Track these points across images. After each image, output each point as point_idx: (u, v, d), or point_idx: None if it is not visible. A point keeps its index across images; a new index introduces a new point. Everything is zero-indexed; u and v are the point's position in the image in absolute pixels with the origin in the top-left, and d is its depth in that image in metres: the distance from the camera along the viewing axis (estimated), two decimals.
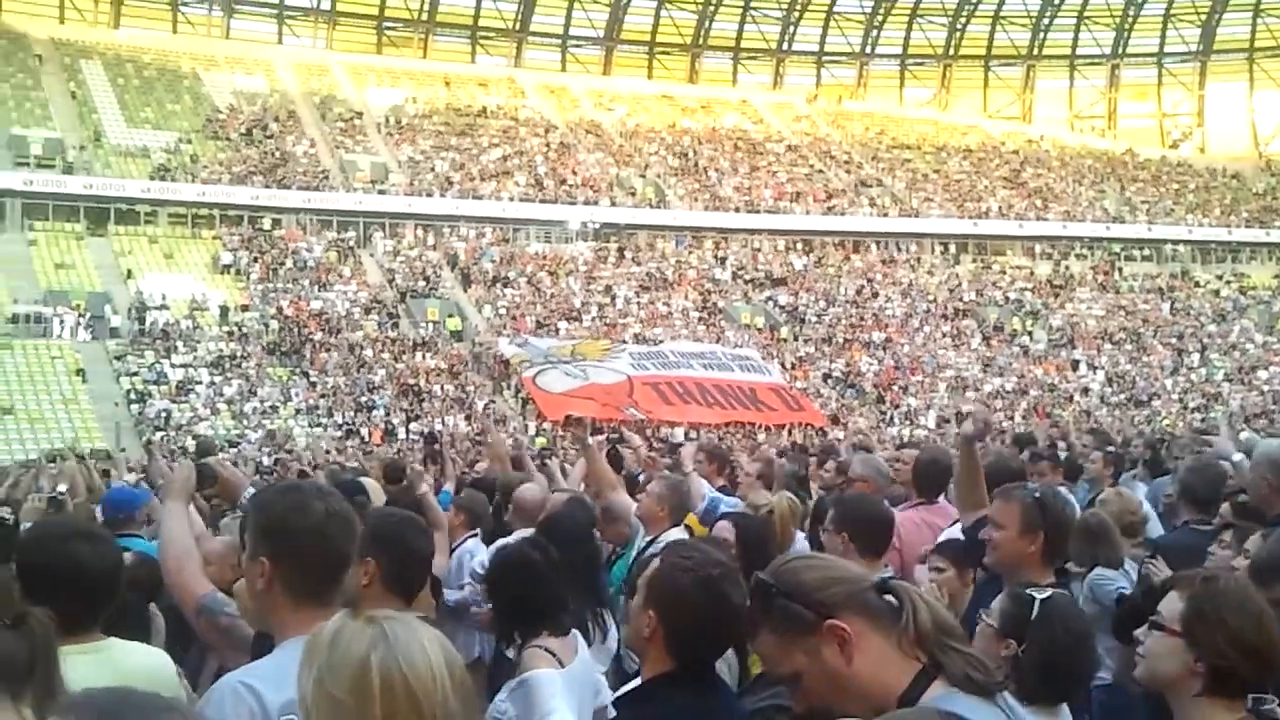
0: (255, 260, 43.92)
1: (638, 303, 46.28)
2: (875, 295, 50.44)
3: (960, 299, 51.34)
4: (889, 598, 2.11)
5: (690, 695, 2.74)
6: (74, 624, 2.78)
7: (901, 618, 2.08)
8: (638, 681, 2.89)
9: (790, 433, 31.99)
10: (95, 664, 2.75)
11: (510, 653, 3.96)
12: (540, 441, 27.82)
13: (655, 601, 2.78)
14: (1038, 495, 4.17)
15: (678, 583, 2.75)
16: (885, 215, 56.06)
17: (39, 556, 2.91)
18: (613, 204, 52.01)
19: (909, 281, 52.21)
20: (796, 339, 46.23)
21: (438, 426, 33.24)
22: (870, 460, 6.74)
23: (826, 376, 43.75)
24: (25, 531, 3.65)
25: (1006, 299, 51.89)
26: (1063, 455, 8.98)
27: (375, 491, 6.85)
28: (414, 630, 1.72)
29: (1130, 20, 68.40)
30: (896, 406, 42.21)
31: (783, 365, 41.18)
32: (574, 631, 3.92)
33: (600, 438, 9.15)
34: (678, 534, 5.03)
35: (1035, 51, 69.83)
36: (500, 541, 5.49)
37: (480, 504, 7.37)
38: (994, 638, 3.29)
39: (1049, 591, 3.41)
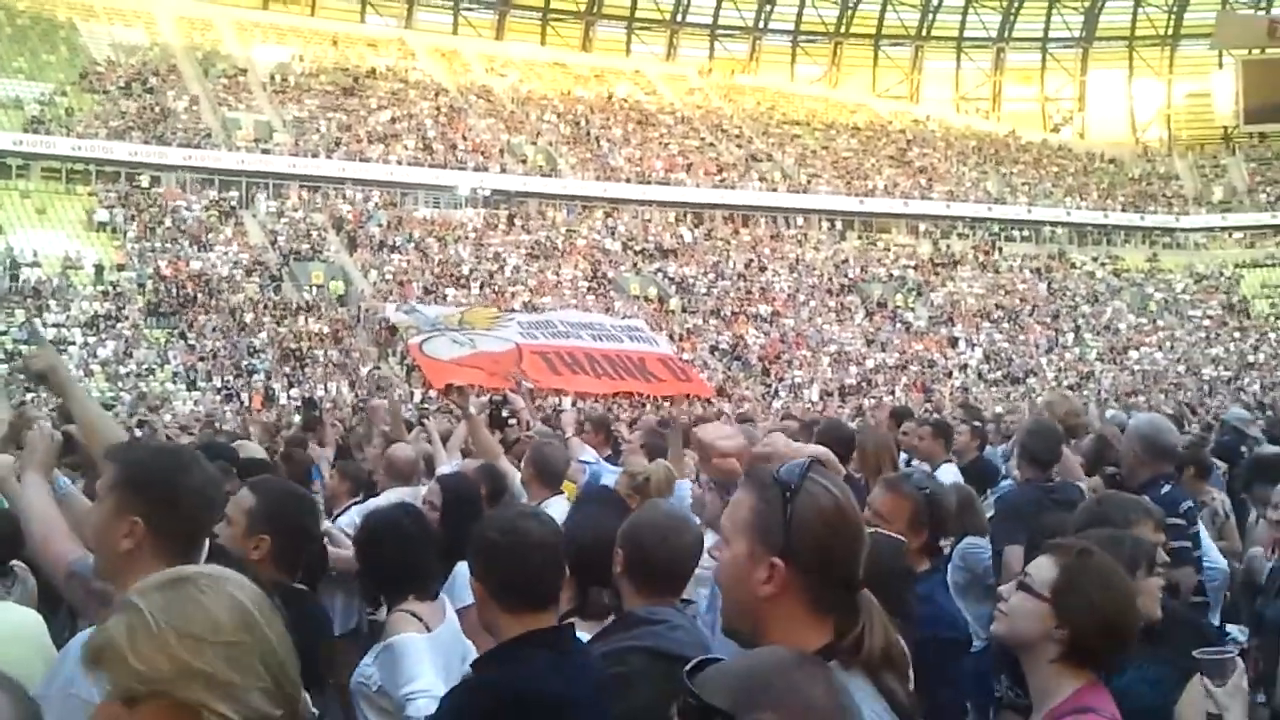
0: (132, 218, 42.66)
1: (527, 271, 46.04)
2: (763, 269, 50.91)
3: (845, 275, 52.09)
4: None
5: (545, 649, 2.78)
6: None
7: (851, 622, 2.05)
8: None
9: (673, 404, 32.13)
10: None
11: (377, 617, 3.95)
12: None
13: (478, 569, 2.87)
14: (927, 491, 4.24)
15: (485, 539, 2.84)
16: (774, 190, 56.53)
17: None
18: (503, 171, 51.59)
19: (796, 256, 52.78)
20: (685, 311, 46.47)
21: (319, 393, 32.79)
22: (749, 431, 6.78)
23: (713, 349, 44.08)
24: None
25: (890, 276, 52.78)
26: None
27: (252, 453, 6.74)
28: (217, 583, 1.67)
29: (1017, 5, 69.78)
30: (781, 380, 42.72)
31: (670, 337, 41.37)
32: (442, 596, 3.90)
33: (483, 399, 9.10)
34: (559, 502, 5.00)
35: (924, 32, 70.88)
36: (370, 504, 5.43)
37: (360, 471, 7.29)
38: None
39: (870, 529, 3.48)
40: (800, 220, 55.83)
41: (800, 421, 11.10)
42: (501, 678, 2.79)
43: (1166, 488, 5.20)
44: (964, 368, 46.10)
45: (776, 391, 41.23)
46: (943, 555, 4.66)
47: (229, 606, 1.59)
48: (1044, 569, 2.72)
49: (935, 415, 12.68)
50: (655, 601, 3.11)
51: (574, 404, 31.13)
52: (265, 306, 39.84)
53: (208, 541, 2.73)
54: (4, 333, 35.04)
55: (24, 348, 34.60)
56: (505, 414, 7.89)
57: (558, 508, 4.61)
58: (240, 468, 5.43)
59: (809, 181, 57.62)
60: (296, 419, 10.94)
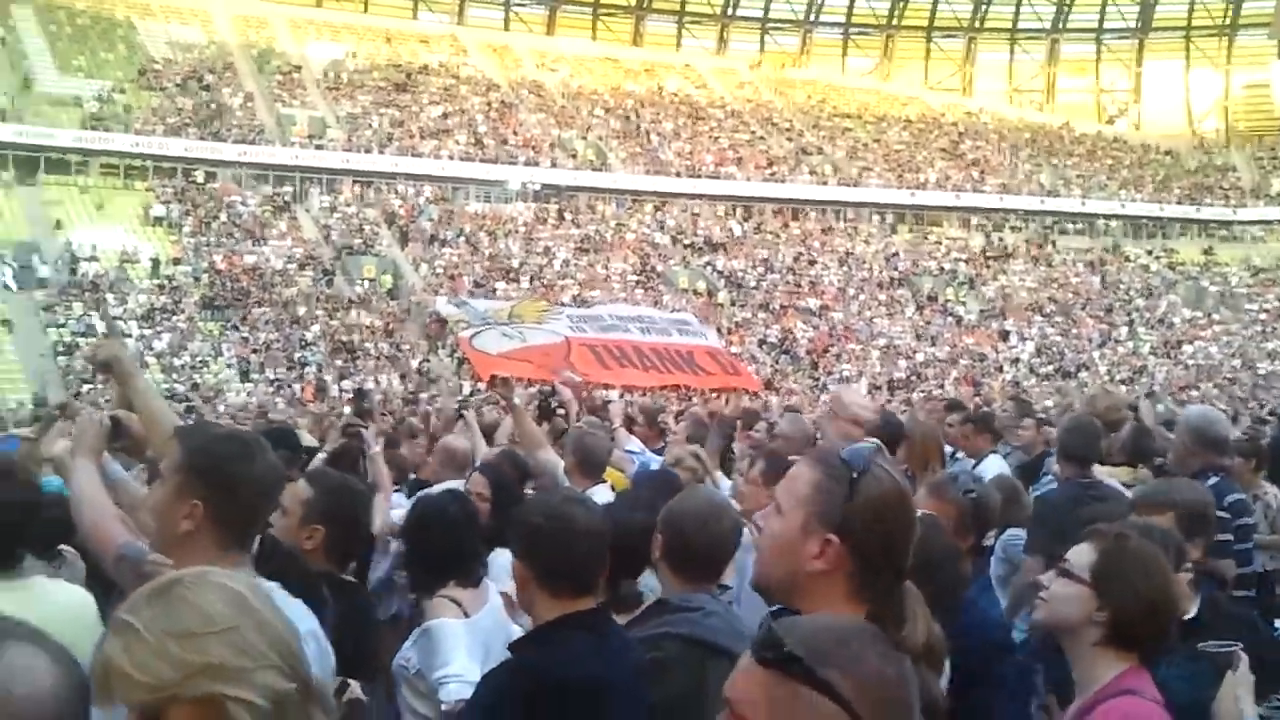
0: (188, 213, 43.26)
1: (576, 265, 46.21)
2: (812, 263, 50.75)
3: (895, 268, 51.80)
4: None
5: (583, 632, 2.82)
6: None
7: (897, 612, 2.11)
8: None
9: (727, 400, 32.06)
10: (16, 601, 2.78)
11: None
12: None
13: (520, 551, 2.90)
14: (973, 495, 4.23)
15: (530, 523, 2.86)
16: (824, 184, 56.30)
17: None
18: (553, 165, 51.75)
19: (846, 250, 52.57)
20: (733, 304, 46.44)
21: (369, 385, 33.11)
22: (797, 419, 6.83)
23: (762, 342, 44.03)
24: None
25: (941, 269, 52.42)
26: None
27: (307, 441, 6.87)
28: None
29: None
30: (830, 373, 42.58)
31: (719, 330, 41.35)
32: (486, 582, 3.96)
33: (532, 390, 9.19)
34: (603, 491, 5.04)
35: (976, 24, 70.25)
36: (420, 493, 5.53)
37: (404, 459, 7.41)
38: None
39: (919, 513, 3.50)
40: (850, 213, 55.56)
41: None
42: (540, 659, 2.83)
43: (1215, 480, 5.21)
44: (1015, 362, 45.74)
45: (825, 385, 41.06)
46: (985, 556, 4.66)
47: (218, 597, 1.59)
48: (1083, 554, 2.77)
49: (983, 409, 12.64)
50: (693, 587, 3.14)
51: (621, 395, 31.30)
52: (318, 300, 40.26)
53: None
54: (63, 325, 35.64)
55: (86, 340, 35.23)
56: (554, 405, 7.97)
57: (601, 496, 4.67)
58: (298, 454, 5.53)
59: (860, 174, 57.34)
60: (347, 410, 11.05)
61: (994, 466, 7.05)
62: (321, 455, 5.79)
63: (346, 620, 3.40)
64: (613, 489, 5.33)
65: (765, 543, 2.20)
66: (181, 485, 2.67)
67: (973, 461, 7.34)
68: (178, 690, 1.52)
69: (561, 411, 8.10)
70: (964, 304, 50.01)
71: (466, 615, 3.78)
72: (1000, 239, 55.86)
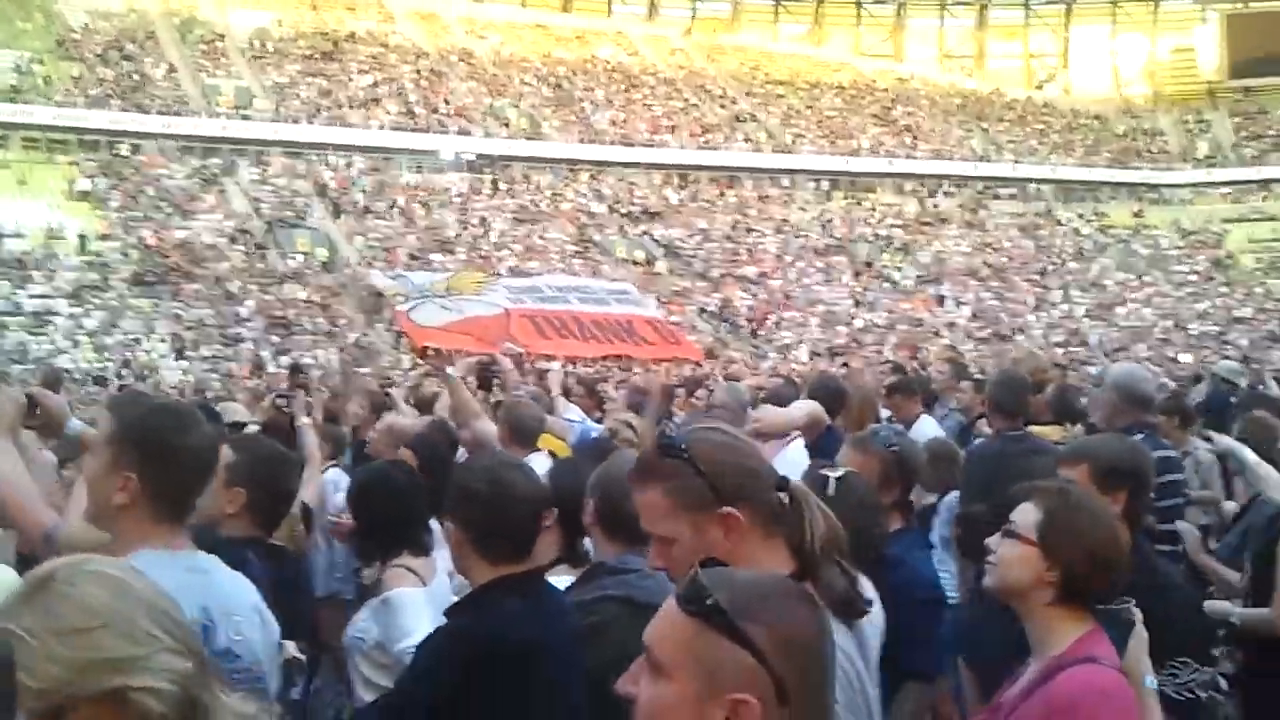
0: (115, 187, 42.38)
1: (513, 236, 45.93)
2: (750, 231, 50.85)
3: (832, 235, 52.05)
4: (783, 497, 2.17)
5: (517, 596, 2.80)
6: None
7: (795, 520, 2.15)
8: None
9: (666, 369, 32.09)
10: None
11: (370, 574, 3.98)
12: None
13: (458, 516, 2.89)
14: (895, 448, 4.24)
15: (468, 488, 2.85)
16: (759, 151, 56.37)
17: None
18: (486, 135, 51.34)
19: (782, 217, 52.72)
20: (672, 274, 46.41)
21: (305, 360, 32.71)
22: (734, 388, 6.82)
23: (701, 311, 44.07)
24: None
25: (876, 235, 52.75)
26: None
27: (237, 416, 6.75)
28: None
29: None
30: (770, 341, 42.75)
31: (658, 299, 41.34)
32: (434, 552, 3.92)
33: (471, 361, 9.12)
34: (539, 459, 5.01)
35: None
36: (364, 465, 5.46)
37: (341, 434, 7.29)
38: None
39: (842, 470, 3.52)
40: (786, 181, 55.69)
41: (785, 378, 11.14)
42: (475, 623, 2.83)
43: (1140, 436, 5.24)
44: (952, 326, 46.17)
45: (765, 353, 41.25)
46: (914, 513, 4.68)
47: (98, 587, 1.53)
48: (1028, 513, 2.72)
49: (919, 373, 12.71)
50: (626, 550, 3.13)
51: (562, 366, 31.26)
52: (251, 274, 39.70)
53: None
54: None
55: (13, 319, 34.51)
56: (491, 376, 7.89)
57: (537, 465, 4.63)
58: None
59: (794, 141, 57.47)
60: (284, 386, 10.91)
61: (928, 429, 7.07)
62: (252, 427, 5.70)
63: (277, 585, 3.37)
64: (552, 456, 5.29)
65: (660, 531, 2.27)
66: (115, 457, 2.59)
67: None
68: (74, 690, 1.47)
69: (498, 382, 8.02)
70: (900, 270, 50.38)
71: (424, 584, 3.76)
72: (934, 205, 56.29)
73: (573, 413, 6.78)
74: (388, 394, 7.40)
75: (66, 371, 29.68)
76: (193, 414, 2.77)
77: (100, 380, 29.09)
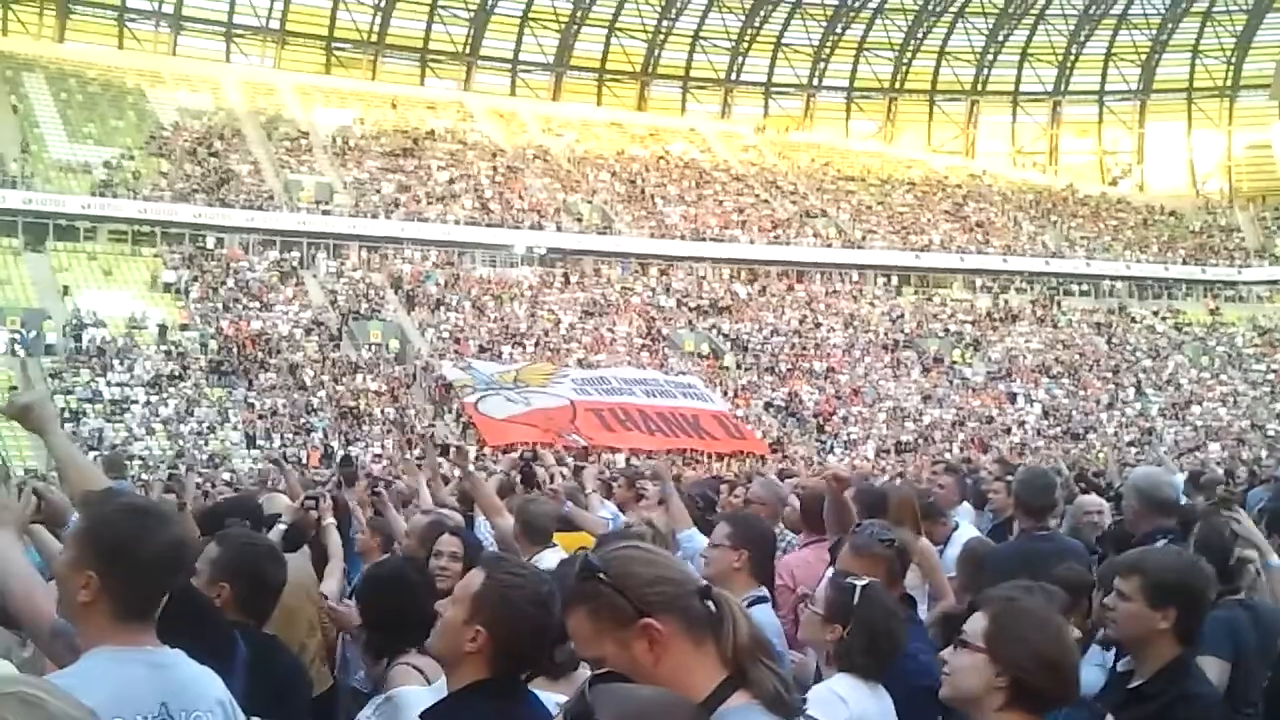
0: (196, 279, 43.57)
1: (582, 328, 46.35)
2: (818, 325, 50.85)
3: (901, 330, 51.87)
4: (709, 604, 2.15)
5: (498, 702, 2.77)
6: None
7: (720, 627, 2.13)
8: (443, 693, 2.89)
9: (729, 463, 32.18)
10: None
11: (375, 671, 4.00)
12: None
13: (485, 617, 2.76)
14: (893, 543, 4.30)
15: (511, 600, 2.74)
16: (829, 246, 56.55)
17: None
18: (559, 229, 52.12)
19: (851, 312, 52.68)
20: (739, 367, 46.47)
21: (374, 450, 33.17)
22: (769, 483, 6.84)
23: (768, 405, 43.99)
24: None
25: (946, 331, 52.47)
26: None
27: (284, 508, 6.87)
28: None
29: (1072, 58, 69.66)
30: (836, 436, 42.51)
31: (725, 393, 41.39)
32: None
33: (513, 455, 9.22)
34: (550, 556, 5.05)
35: (979, 87, 70.85)
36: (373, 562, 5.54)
37: (394, 527, 7.36)
38: (821, 624, 3.61)
39: (865, 579, 3.59)
40: (855, 276, 55.75)
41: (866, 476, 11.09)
42: None
43: (1162, 541, 5.20)
44: (1022, 424, 45.62)
45: (831, 448, 41.03)
46: (914, 604, 4.70)
47: (11, 711, 1.52)
48: (977, 621, 2.74)
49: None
50: None
51: (628, 461, 31.16)
52: (324, 365, 40.39)
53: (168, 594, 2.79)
54: (70, 392, 35.78)
55: (93, 406, 35.34)
56: (533, 471, 7.97)
57: (548, 562, 4.68)
58: (260, 523, 5.57)
59: (864, 237, 57.62)
60: (334, 477, 11.04)
61: (964, 515, 7.14)
62: (281, 526, 5.80)
63: (259, 664, 3.46)
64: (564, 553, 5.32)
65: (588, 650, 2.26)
66: (79, 555, 2.65)
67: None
68: None
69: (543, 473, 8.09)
70: (970, 366, 49.99)
71: (429, 683, 3.71)
72: (1005, 300, 55.96)
73: (607, 509, 6.83)
74: (377, 493, 7.14)
75: (139, 458, 30.47)
76: (160, 514, 2.81)
77: (173, 468, 29.62)
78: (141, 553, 2.61)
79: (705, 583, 2.22)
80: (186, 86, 55.57)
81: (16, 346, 37.30)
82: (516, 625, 2.72)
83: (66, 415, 34.33)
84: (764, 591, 4.59)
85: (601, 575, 2.15)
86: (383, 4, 62.29)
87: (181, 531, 2.79)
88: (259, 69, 60.64)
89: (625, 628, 2.10)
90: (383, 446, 35.24)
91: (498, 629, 2.73)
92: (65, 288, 40.89)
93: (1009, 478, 8.69)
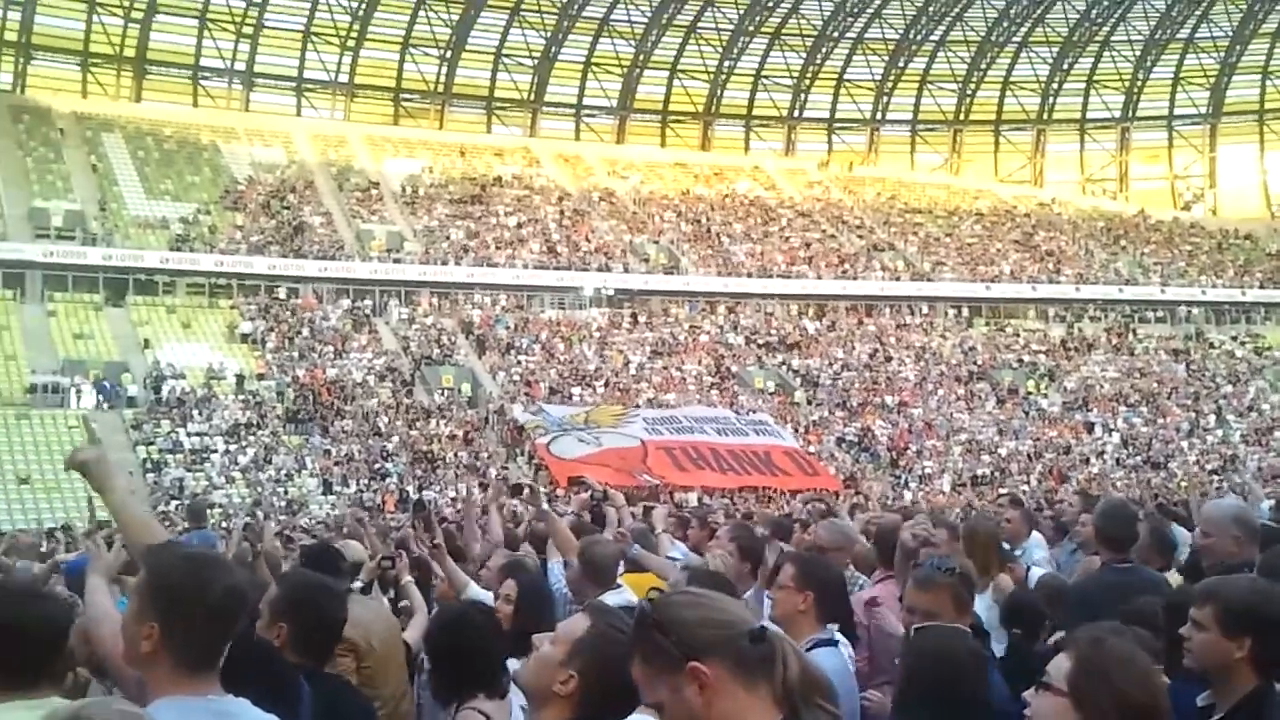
0: (272, 329, 44.34)
1: (651, 368, 46.46)
2: (889, 359, 50.52)
3: (974, 362, 51.37)
4: (762, 646, 2.14)
5: None
6: (19, 681, 2.90)
7: (773, 669, 2.12)
8: None
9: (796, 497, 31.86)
10: None
11: (443, 716, 4.00)
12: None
13: (581, 663, 2.80)
14: (956, 570, 4.27)
15: (609, 653, 2.73)
16: (898, 279, 56.27)
17: None
18: (626, 270, 52.41)
19: (922, 345, 52.29)
20: (809, 403, 46.25)
21: (449, 494, 33.39)
22: (835, 526, 6.78)
23: (840, 441, 43.71)
24: None
25: (1020, 361, 51.88)
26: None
27: (358, 555, 6.99)
28: None
29: (1140, 84, 69.01)
30: (910, 470, 42.11)
31: (796, 429, 41.25)
32: (510, 694, 3.88)
33: (584, 495, 9.24)
34: (615, 597, 5.02)
35: (1045, 116, 70.35)
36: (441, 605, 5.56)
37: (454, 578, 7.44)
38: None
39: (919, 624, 3.52)
40: (925, 308, 55.39)
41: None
42: None
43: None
44: (1101, 454, 44.88)
45: (906, 483, 40.63)
46: (987, 637, 4.64)
47: None
48: (1060, 664, 2.71)
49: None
50: None
51: (700, 500, 31.11)
52: (398, 410, 40.82)
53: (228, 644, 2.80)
54: (151, 443, 36.49)
55: (173, 456, 35.99)
56: (602, 512, 7.99)
57: (612, 603, 4.68)
58: (338, 572, 5.63)
59: (933, 269, 57.27)
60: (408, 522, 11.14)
61: (1032, 549, 7.07)
62: (358, 585, 5.90)
63: (326, 707, 3.52)
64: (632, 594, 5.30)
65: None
66: (140, 607, 2.71)
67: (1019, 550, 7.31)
68: None
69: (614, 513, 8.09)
70: (1045, 396, 49.33)
71: None
72: (1079, 329, 55.24)
73: (677, 550, 6.83)
74: (436, 546, 7.11)
75: (219, 506, 30.95)
76: (218, 563, 2.88)
77: (250, 515, 30.05)
78: (200, 602, 2.67)
79: (759, 625, 2.21)
80: (259, 141, 56.84)
81: (98, 399, 38.13)
82: (609, 678, 2.70)
83: (148, 465, 35.06)
84: (833, 634, 4.48)
85: (650, 619, 2.19)
86: (448, 55, 63.33)
87: (240, 580, 2.84)
88: (329, 122, 61.86)
89: (675, 672, 2.12)
90: (456, 490, 35.47)
91: (590, 677, 2.76)
92: (145, 341, 41.80)
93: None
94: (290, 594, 3.89)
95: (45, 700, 2.92)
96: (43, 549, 13.58)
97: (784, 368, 48.63)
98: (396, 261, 49.64)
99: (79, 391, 38.00)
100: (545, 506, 6.55)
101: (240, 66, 60.79)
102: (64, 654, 3.14)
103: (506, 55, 64.57)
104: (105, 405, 38.03)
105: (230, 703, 2.69)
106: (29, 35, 56.80)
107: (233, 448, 37.14)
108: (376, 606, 5.58)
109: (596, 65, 65.92)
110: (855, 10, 65.08)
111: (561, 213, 56.28)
